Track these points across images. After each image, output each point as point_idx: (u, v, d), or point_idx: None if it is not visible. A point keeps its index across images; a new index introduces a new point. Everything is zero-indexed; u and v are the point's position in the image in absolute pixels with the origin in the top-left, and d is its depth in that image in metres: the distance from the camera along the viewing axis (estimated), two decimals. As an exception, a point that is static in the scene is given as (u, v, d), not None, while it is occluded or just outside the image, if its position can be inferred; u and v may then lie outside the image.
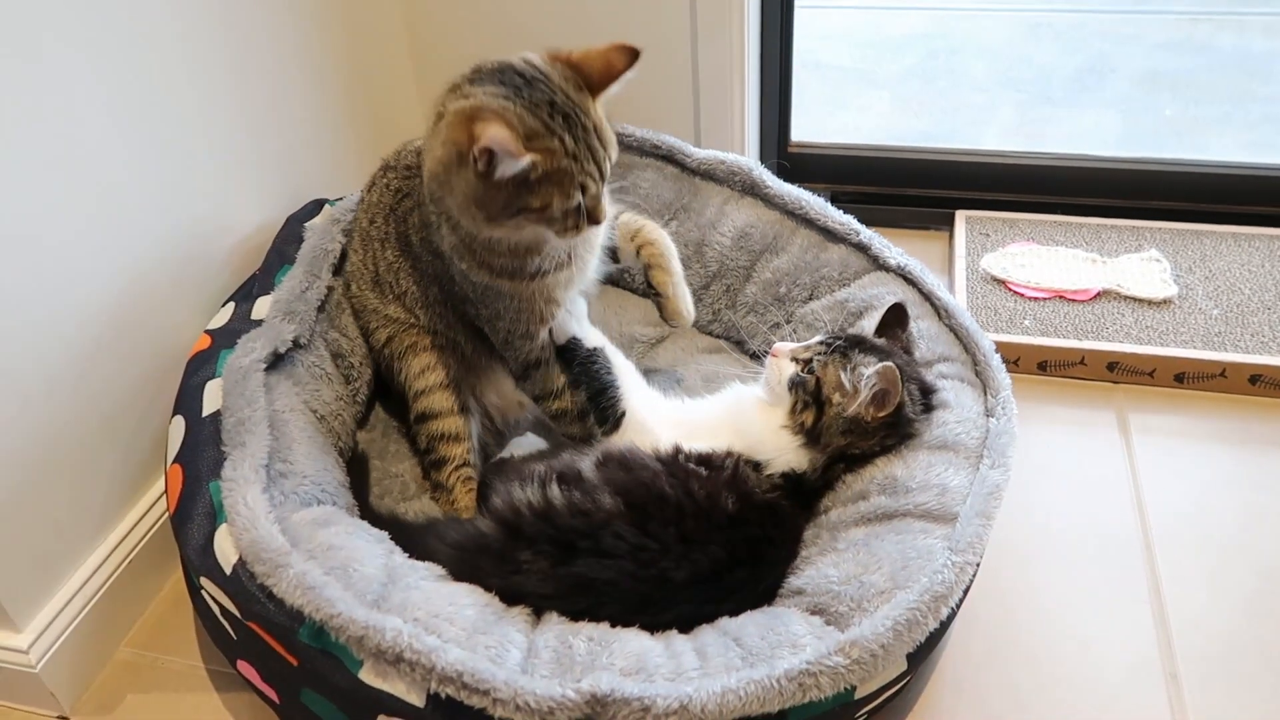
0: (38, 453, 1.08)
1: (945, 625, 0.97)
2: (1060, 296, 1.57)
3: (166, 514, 1.23)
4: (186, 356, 1.22)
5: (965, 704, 1.06)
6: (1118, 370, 1.46)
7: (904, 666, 0.94)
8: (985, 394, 1.16)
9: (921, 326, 1.25)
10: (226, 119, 1.32)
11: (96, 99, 1.11)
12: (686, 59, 1.61)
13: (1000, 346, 1.45)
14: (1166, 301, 1.54)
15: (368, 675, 0.88)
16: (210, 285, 1.33)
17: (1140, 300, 1.55)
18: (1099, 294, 1.57)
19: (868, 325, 1.26)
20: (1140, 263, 1.63)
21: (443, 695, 0.85)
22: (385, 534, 1.05)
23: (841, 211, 1.42)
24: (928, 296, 1.29)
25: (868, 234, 1.38)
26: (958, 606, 0.98)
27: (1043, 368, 1.49)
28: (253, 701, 1.10)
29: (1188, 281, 1.59)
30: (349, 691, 0.89)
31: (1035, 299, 1.57)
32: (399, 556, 1.02)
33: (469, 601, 0.95)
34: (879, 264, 1.35)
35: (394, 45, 1.70)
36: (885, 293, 1.31)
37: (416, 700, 0.87)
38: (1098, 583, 1.18)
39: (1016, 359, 1.49)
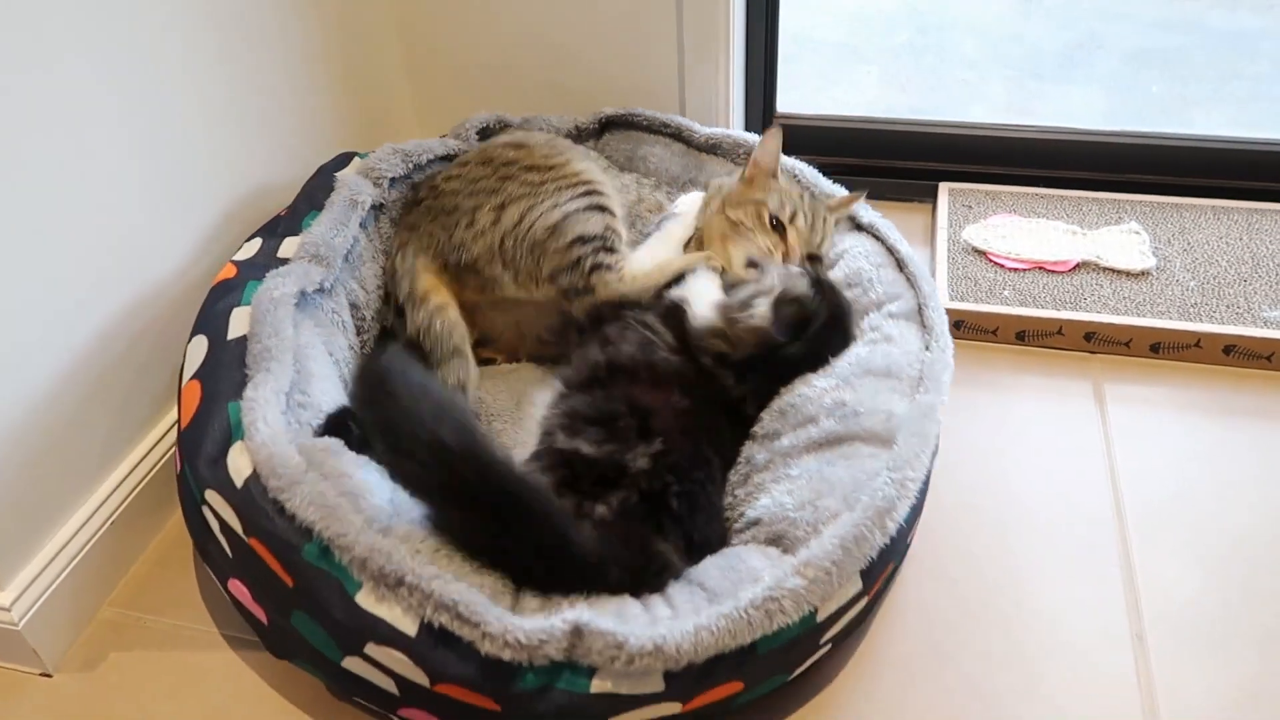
0: (21, 412, 1.09)
1: (896, 543, 1.00)
2: (1040, 268, 1.59)
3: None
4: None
5: (936, 666, 1.08)
6: (1095, 340, 1.47)
7: (859, 585, 0.97)
8: (925, 332, 1.24)
9: (884, 275, 1.33)
10: (222, 73, 1.34)
11: (101, 42, 1.12)
12: (671, 29, 1.61)
13: (979, 316, 1.50)
14: (1145, 273, 1.56)
15: (365, 599, 0.90)
16: (207, 243, 1.35)
17: (1119, 272, 1.56)
18: (1078, 265, 1.58)
19: (837, 276, 1.37)
20: (1120, 235, 1.64)
21: (435, 625, 0.87)
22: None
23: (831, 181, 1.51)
24: (891, 250, 1.37)
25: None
26: (911, 526, 1.04)
27: (1021, 337, 1.50)
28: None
29: (1166, 254, 1.60)
30: (342, 617, 0.91)
31: (1015, 270, 1.59)
32: (402, 495, 1.03)
33: None
34: (854, 223, 1.45)
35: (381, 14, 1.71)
36: (854, 246, 1.40)
37: (409, 628, 0.88)
38: (1069, 549, 1.19)
39: (995, 329, 1.50)
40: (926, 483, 1.09)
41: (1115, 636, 1.09)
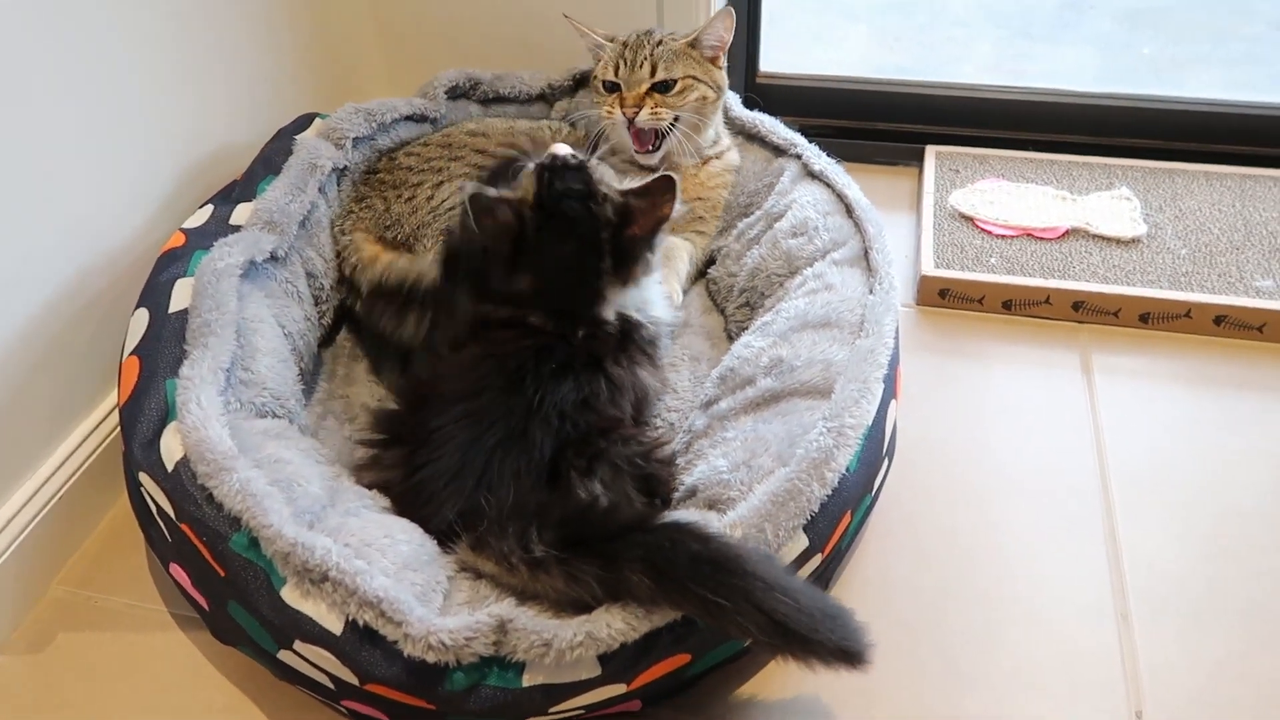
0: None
1: (841, 495, 0.96)
2: (1028, 234, 1.54)
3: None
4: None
5: (916, 641, 1.05)
6: (1083, 310, 1.43)
7: (805, 542, 0.93)
8: (870, 275, 1.20)
9: (831, 222, 1.30)
10: (177, 29, 1.27)
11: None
12: (650, -17, 1.55)
13: (965, 285, 1.46)
14: (1135, 240, 1.51)
15: (290, 594, 0.86)
16: (161, 211, 1.29)
17: (1109, 239, 1.52)
18: (1067, 232, 1.54)
19: (784, 226, 1.33)
20: (1110, 201, 1.59)
21: (360, 623, 0.84)
22: (334, 455, 1.05)
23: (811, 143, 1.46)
24: (840, 195, 1.34)
25: (804, 145, 1.44)
26: (868, 476, 1.01)
27: (1007, 307, 1.46)
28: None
29: (1157, 220, 1.56)
30: (269, 612, 0.87)
31: (1003, 236, 1.54)
32: (346, 481, 1.01)
33: (405, 538, 0.93)
34: (806, 171, 1.41)
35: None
36: (803, 195, 1.36)
37: (334, 626, 0.85)
38: (1054, 523, 1.16)
39: (981, 297, 1.46)
40: (881, 429, 1.05)
41: (1099, 613, 1.06)
